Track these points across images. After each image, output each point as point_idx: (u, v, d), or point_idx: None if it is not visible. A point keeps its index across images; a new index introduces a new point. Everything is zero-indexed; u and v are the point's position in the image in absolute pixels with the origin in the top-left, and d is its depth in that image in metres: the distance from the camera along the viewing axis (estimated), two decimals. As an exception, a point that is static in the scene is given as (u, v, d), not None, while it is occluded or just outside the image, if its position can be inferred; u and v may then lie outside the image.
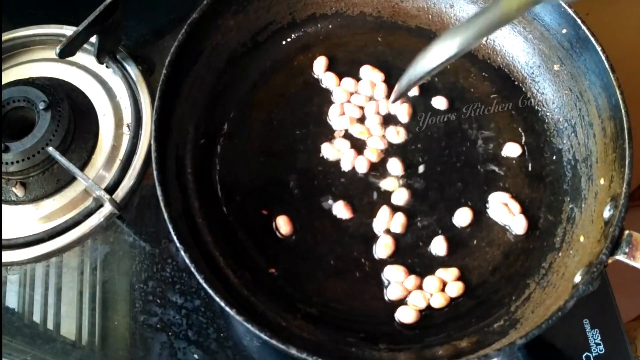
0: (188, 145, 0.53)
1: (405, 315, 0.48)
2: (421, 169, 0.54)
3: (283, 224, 0.51)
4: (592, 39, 0.49)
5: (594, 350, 0.49)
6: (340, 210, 0.52)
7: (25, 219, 0.55)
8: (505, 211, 0.52)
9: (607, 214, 0.46)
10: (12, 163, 0.53)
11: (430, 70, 0.41)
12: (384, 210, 0.52)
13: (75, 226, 0.54)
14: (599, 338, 0.50)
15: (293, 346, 0.40)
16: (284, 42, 0.60)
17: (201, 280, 0.43)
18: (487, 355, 0.42)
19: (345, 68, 0.58)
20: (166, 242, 0.53)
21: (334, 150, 0.55)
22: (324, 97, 0.57)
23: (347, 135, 0.56)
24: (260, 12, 0.58)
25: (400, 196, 0.53)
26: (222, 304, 0.42)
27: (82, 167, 0.55)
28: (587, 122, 0.52)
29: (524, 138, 0.55)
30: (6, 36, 0.62)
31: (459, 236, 0.52)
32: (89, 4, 0.54)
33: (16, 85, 0.56)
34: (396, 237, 0.51)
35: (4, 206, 0.55)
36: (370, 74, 0.57)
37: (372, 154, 0.54)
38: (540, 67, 0.56)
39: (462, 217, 0.52)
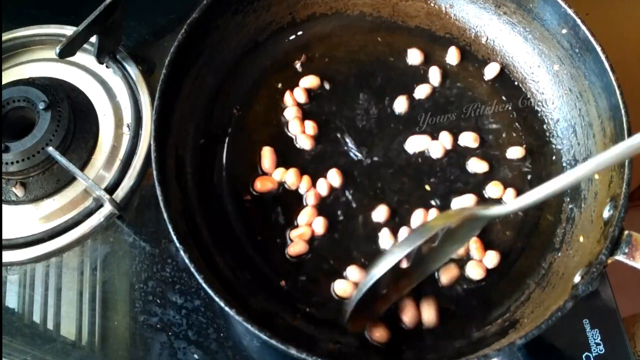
0: (188, 145, 0.53)
1: (406, 315, 0.48)
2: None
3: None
4: (592, 39, 0.49)
5: (594, 350, 0.49)
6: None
7: (25, 219, 0.55)
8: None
9: (606, 214, 0.46)
10: (12, 163, 0.53)
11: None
12: (381, 208, 0.52)
13: (75, 226, 0.54)
14: (599, 338, 0.50)
15: (293, 346, 0.40)
16: (284, 42, 0.60)
17: (201, 280, 0.43)
18: (487, 355, 0.42)
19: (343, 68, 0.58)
20: (166, 242, 0.53)
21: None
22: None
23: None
24: (260, 12, 0.58)
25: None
26: (222, 304, 0.42)
27: (82, 167, 0.55)
28: (587, 122, 0.52)
29: (523, 138, 0.55)
30: (6, 36, 0.62)
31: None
32: (89, 4, 0.54)
33: (16, 85, 0.56)
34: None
35: (4, 206, 0.55)
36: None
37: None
38: (540, 67, 0.56)
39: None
